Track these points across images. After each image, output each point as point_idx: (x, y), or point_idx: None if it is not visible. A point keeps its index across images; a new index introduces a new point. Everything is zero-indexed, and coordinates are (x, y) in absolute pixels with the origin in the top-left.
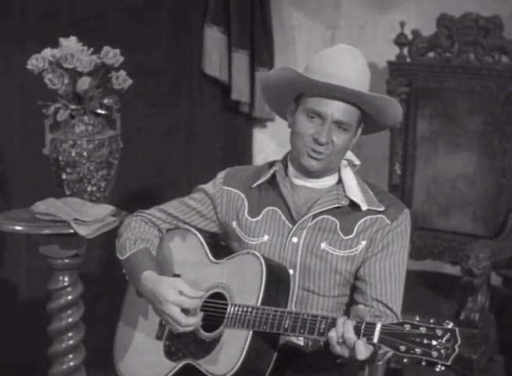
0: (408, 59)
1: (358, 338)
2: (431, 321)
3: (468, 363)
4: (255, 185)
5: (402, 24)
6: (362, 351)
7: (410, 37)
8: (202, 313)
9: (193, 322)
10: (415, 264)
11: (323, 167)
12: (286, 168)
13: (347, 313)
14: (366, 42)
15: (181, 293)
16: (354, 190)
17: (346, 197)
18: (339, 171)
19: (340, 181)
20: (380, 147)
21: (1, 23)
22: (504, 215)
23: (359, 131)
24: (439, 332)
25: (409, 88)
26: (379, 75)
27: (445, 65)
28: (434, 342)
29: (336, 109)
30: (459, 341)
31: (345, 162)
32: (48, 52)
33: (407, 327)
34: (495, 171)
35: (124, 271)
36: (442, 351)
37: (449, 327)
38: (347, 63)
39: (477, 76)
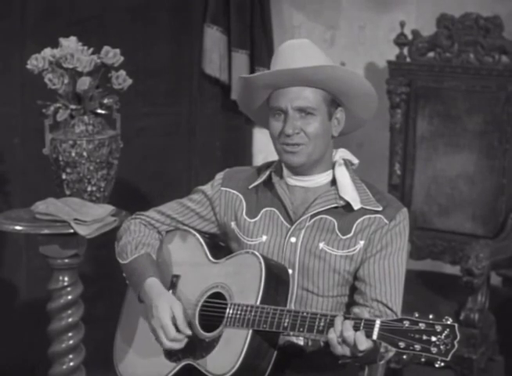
0: (408, 59)
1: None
2: (430, 317)
3: (468, 363)
4: (252, 186)
5: (402, 24)
6: (363, 340)
7: (410, 37)
8: (186, 340)
9: (176, 347)
10: (415, 264)
11: (305, 159)
12: (281, 169)
13: (347, 314)
14: (366, 42)
15: (173, 319)
16: (347, 189)
17: (342, 197)
18: (333, 169)
19: (335, 180)
20: (380, 147)
21: (1, 23)
22: (504, 215)
23: (338, 114)
24: (438, 328)
25: (409, 88)
26: (379, 75)
27: (445, 65)
28: (433, 338)
29: (293, 97)
30: (458, 337)
31: (341, 161)
32: (48, 52)
33: (406, 323)
34: (495, 171)
35: (124, 275)
36: (442, 347)
37: (448, 322)
38: (293, 52)
39: (477, 76)
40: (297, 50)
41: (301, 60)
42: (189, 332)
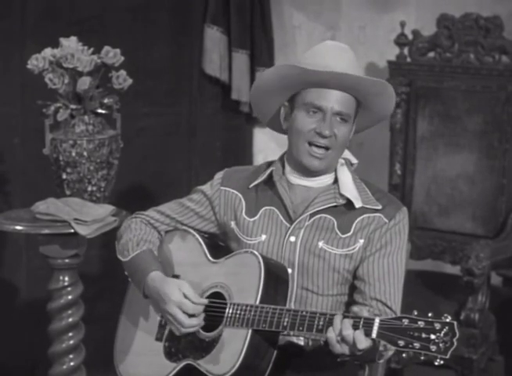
0: (408, 59)
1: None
2: (429, 315)
3: (468, 363)
4: (252, 185)
5: (403, 24)
6: (362, 339)
7: (410, 37)
8: (203, 314)
9: (195, 323)
10: (415, 264)
11: (326, 165)
12: (283, 167)
13: (347, 313)
14: (367, 42)
15: (185, 296)
16: (348, 188)
17: (342, 195)
18: (335, 170)
19: (336, 180)
20: (380, 147)
21: (1, 23)
22: (504, 215)
23: (355, 124)
24: (437, 326)
25: (409, 88)
26: (379, 75)
27: (445, 65)
28: (432, 336)
29: (335, 100)
30: (457, 335)
31: (342, 161)
32: (48, 51)
33: (405, 321)
34: (495, 171)
35: (126, 272)
36: (441, 345)
37: (447, 320)
38: (341, 55)
39: (477, 76)
40: (340, 55)
41: (349, 66)
42: (205, 301)
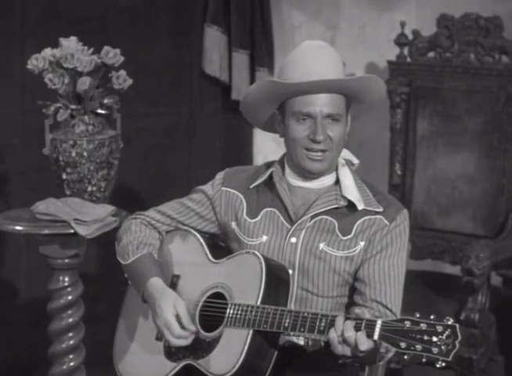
0: (408, 59)
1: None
2: (432, 317)
3: (468, 363)
4: (252, 186)
5: (403, 24)
6: (364, 341)
7: (410, 37)
8: (193, 337)
9: (182, 344)
10: (415, 264)
11: (327, 166)
12: (283, 168)
13: (347, 314)
14: (367, 42)
15: (177, 317)
16: (351, 189)
17: (344, 197)
18: (336, 170)
19: (337, 181)
20: (380, 147)
21: (1, 23)
22: (504, 215)
23: (349, 117)
24: (439, 328)
25: (409, 88)
26: (379, 75)
27: (445, 65)
28: (434, 338)
29: (323, 104)
30: (459, 337)
31: (343, 161)
32: (48, 52)
33: (407, 323)
34: (495, 171)
35: (126, 275)
36: (443, 347)
37: (450, 323)
38: (319, 56)
39: (477, 76)
40: (319, 56)
41: (329, 68)
42: (193, 328)
